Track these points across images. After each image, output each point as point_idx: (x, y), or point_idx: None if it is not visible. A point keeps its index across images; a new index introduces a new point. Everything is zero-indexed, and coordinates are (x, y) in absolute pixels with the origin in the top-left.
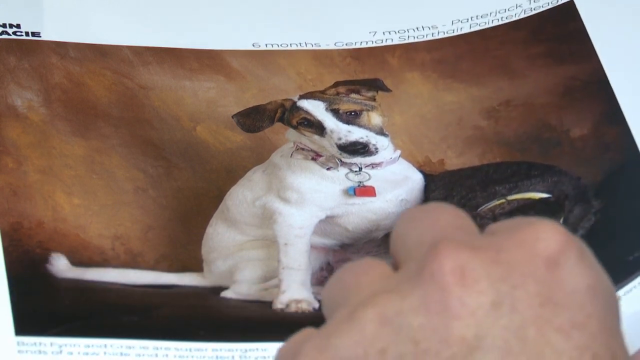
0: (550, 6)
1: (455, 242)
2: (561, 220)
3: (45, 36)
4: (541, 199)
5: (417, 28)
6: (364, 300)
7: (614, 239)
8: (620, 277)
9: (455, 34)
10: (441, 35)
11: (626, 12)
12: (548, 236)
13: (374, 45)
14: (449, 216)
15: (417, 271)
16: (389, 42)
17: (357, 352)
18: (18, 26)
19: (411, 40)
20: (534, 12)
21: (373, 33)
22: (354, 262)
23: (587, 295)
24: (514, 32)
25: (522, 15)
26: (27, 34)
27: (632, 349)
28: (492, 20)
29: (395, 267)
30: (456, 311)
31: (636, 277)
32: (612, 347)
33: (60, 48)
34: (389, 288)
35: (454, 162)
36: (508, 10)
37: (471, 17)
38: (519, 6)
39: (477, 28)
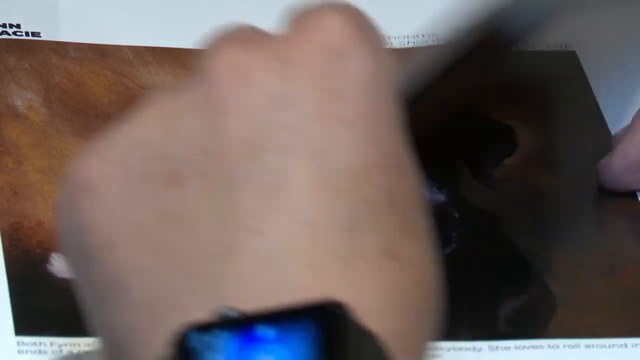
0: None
1: (236, 39)
2: None
3: (45, 36)
4: None
5: (417, 35)
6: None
7: None
8: None
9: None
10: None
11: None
12: (332, 25)
13: None
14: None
15: (194, 72)
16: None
17: (140, 153)
18: (18, 26)
19: (410, 45)
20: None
21: None
22: None
23: (372, 86)
24: None
25: None
26: (27, 34)
27: None
28: None
29: None
30: (233, 110)
31: None
32: (396, 140)
33: (60, 48)
34: (168, 91)
35: None
36: None
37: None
38: None
39: None
